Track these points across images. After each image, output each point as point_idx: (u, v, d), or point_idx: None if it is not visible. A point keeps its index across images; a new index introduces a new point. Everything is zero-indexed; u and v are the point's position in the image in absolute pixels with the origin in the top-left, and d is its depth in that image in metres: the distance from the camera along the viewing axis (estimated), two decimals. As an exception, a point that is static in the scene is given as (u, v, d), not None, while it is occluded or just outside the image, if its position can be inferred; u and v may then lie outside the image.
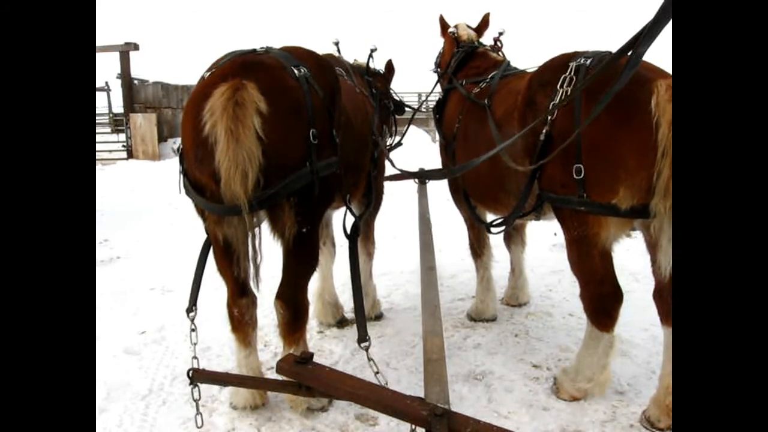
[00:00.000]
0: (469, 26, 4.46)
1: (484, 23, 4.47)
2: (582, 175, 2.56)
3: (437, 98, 4.48)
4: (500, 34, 4.35)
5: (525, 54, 4.35)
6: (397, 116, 4.79)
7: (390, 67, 4.72)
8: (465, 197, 3.86)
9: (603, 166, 2.52)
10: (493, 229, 3.45)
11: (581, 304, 2.87)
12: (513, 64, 4.01)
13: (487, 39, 4.48)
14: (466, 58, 4.19)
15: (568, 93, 2.66)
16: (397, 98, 4.76)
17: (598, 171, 2.54)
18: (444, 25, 4.57)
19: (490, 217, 3.95)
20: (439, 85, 4.52)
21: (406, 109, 4.87)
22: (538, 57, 3.08)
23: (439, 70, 4.58)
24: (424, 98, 4.93)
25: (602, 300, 2.73)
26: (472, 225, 4.10)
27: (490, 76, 3.73)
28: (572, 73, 2.70)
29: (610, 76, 2.34)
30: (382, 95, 4.42)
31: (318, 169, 2.53)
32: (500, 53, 4.29)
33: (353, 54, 4.66)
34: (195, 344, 2.79)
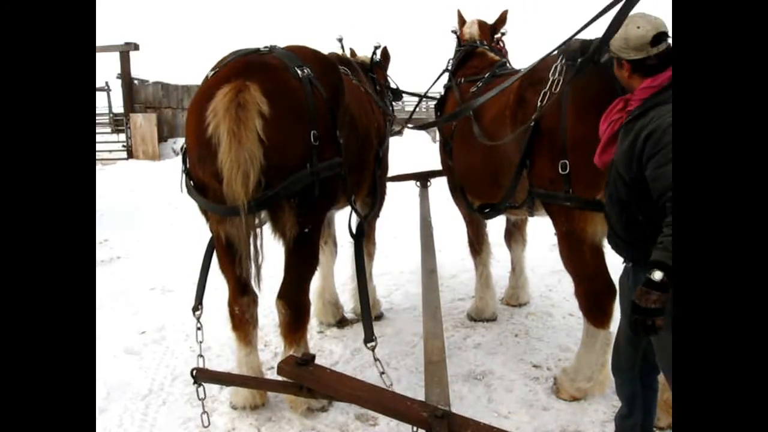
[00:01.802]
0: (483, 22, 4.42)
1: (501, 20, 4.42)
2: (567, 170, 2.60)
3: (439, 96, 4.49)
4: (502, 34, 4.35)
5: (526, 53, 4.33)
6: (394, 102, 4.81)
7: (385, 54, 4.72)
8: (462, 194, 3.88)
9: (587, 162, 2.55)
10: (486, 213, 3.50)
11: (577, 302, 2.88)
12: (512, 63, 4.01)
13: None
14: (465, 58, 4.20)
15: (555, 90, 2.73)
16: (394, 85, 4.77)
17: (582, 167, 2.58)
18: (462, 21, 4.55)
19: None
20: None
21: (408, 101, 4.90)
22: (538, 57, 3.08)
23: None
24: (426, 93, 4.91)
25: (595, 296, 2.75)
26: (471, 221, 4.12)
27: (485, 76, 3.74)
28: (559, 74, 2.75)
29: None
30: (384, 90, 4.43)
31: (319, 171, 2.53)
32: (503, 51, 4.29)
33: (350, 49, 4.66)
34: (201, 342, 2.81)
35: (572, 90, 2.60)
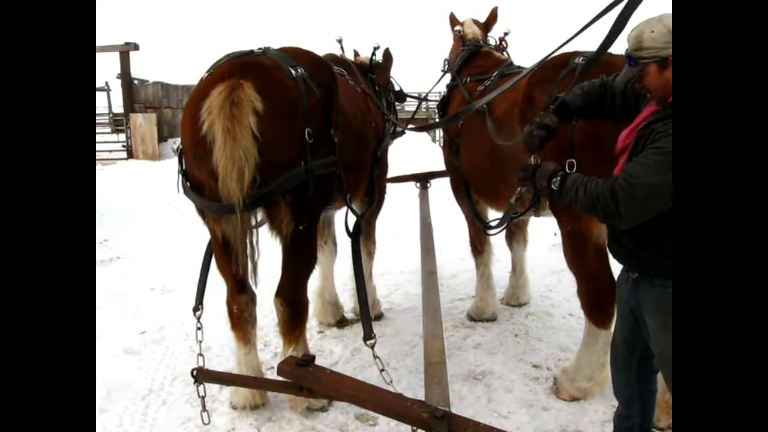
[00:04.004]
0: (477, 21, 4.46)
1: (492, 18, 4.48)
2: (575, 169, 2.60)
3: (440, 96, 4.50)
4: (505, 34, 4.36)
5: (529, 53, 4.32)
6: (397, 104, 4.80)
7: (388, 55, 4.72)
8: (466, 192, 3.86)
9: (594, 162, 2.55)
10: (490, 231, 3.48)
11: (579, 302, 2.88)
12: (517, 63, 4.01)
13: (495, 34, 4.48)
14: (470, 57, 4.20)
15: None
16: (398, 86, 4.76)
17: (590, 166, 2.57)
18: (454, 23, 4.57)
19: (491, 214, 3.97)
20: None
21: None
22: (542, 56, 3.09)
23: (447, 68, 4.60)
24: (426, 95, 4.94)
25: (598, 296, 2.75)
26: (473, 221, 4.12)
27: (492, 75, 3.73)
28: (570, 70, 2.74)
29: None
30: (384, 90, 4.43)
31: (313, 168, 2.55)
32: (505, 53, 4.29)
33: (353, 51, 4.67)
34: (200, 342, 2.82)
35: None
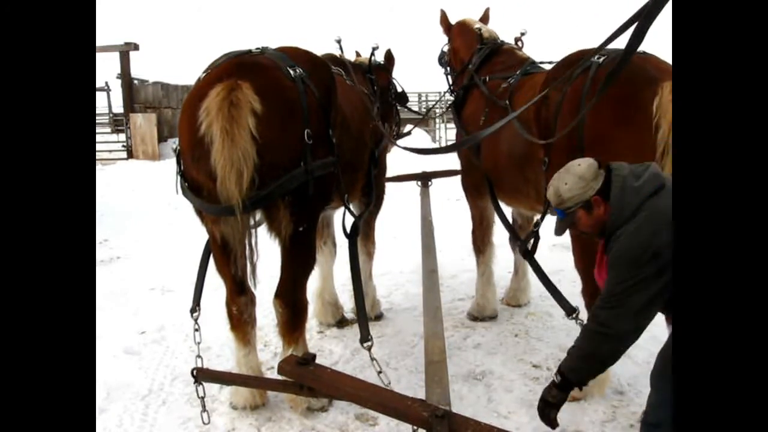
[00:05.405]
0: (474, 21, 4.45)
1: (485, 19, 4.48)
2: None
3: (445, 96, 4.48)
4: (522, 34, 4.32)
5: (539, 52, 4.29)
6: (400, 106, 4.79)
7: (389, 56, 4.70)
8: (491, 192, 3.80)
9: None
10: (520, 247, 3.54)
11: (582, 301, 2.88)
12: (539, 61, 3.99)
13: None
14: (489, 55, 4.15)
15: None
16: (400, 88, 4.75)
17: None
18: (445, 20, 4.55)
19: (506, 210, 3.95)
20: (455, 80, 4.50)
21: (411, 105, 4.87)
22: (550, 56, 3.11)
23: (449, 67, 4.56)
24: (438, 99, 4.94)
25: None
26: (481, 222, 4.11)
27: (515, 74, 3.68)
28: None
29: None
30: (384, 92, 4.42)
31: (313, 169, 2.54)
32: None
33: (355, 51, 4.67)
34: (199, 343, 2.81)
35: (591, 87, 2.59)
